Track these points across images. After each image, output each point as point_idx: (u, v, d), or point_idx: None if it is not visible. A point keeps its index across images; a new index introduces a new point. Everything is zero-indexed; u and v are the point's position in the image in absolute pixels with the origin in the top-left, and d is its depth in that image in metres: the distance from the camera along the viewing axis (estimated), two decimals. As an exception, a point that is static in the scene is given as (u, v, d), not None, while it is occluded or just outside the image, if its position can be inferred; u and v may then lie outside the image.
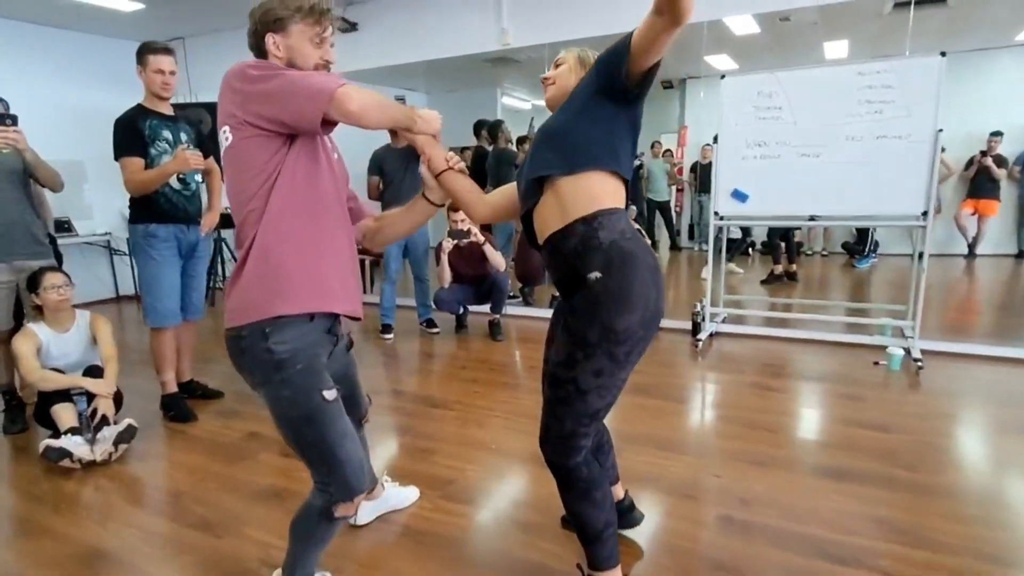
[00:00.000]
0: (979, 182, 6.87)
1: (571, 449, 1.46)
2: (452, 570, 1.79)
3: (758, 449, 2.50)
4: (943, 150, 6.89)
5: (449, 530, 1.99)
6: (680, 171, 7.37)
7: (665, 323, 4.43)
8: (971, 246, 7.08)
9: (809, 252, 7.86)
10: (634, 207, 5.98)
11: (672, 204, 7.63)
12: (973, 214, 7.01)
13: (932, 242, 7.17)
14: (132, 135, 2.72)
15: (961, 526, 1.92)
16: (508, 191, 1.67)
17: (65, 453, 2.42)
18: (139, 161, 2.72)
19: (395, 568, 1.80)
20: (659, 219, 7.62)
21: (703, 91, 5.69)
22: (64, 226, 5.62)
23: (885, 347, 3.54)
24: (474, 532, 1.99)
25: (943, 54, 3.05)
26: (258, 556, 1.86)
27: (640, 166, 7.14)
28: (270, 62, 1.37)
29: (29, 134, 2.64)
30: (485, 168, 5.51)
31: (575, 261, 1.40)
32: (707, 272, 4.32)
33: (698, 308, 4.18)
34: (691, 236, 7.83)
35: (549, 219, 1.45)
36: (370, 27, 5.12)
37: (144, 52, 2.70)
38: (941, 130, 3.10)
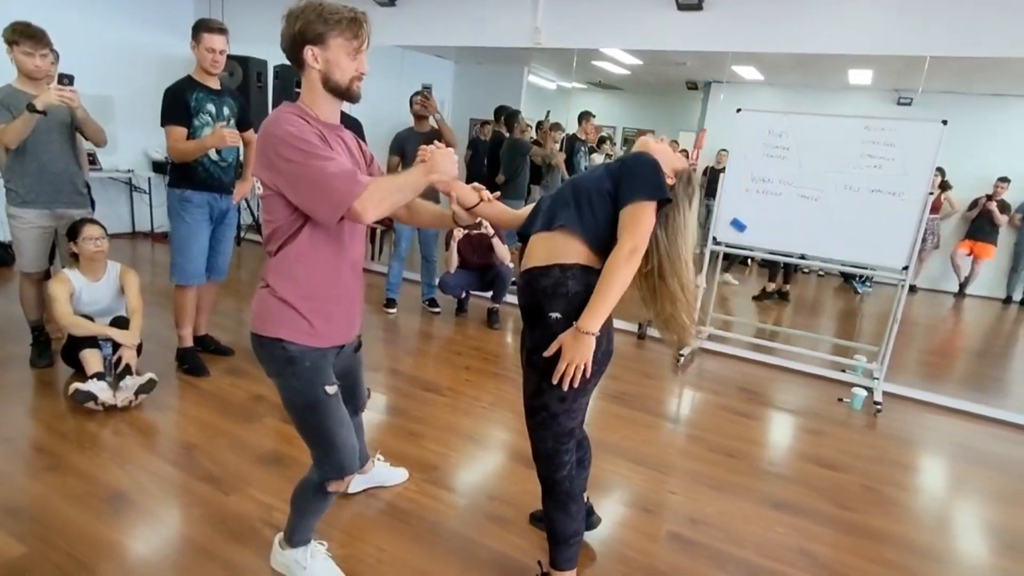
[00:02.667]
0: (979, 224, 7.04)
1: (557, 464, 1.71)
2: (426, 550, 2.04)
3: (717, 473, 2.74)
4: (951, 187, 6.99)
5: (428, 513, 2.25)
6: None
7: (653, 332, 4.65)
8: (962, 285, 7.27)
9: (806, 271, 8.04)
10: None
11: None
12: (969, 255, 7.18)
13: (924, 278, 7.26)
14: (179, 105, 2.88)
15: (882, 569, 2.18)
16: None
17: (91, 396, 2.66)
18: (182, 130, 2.89)
19: (375, 540, 2.06)
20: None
21: (723, 95, 5.77)
22: (90, 158, 5.76)
23: (853, 385, 3.78)
24: (451, 518, 2.24)
25: (944, 122, 3.19)
26: (261, 517, 2.11)
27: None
28: (303, 142, 1.39)
29: (64, 67, 2.85)
30: (499, 153, 5.67)
31: (542, 298, 1.61)
32: (701, 280, 4.44)
33: (686, 323, 4.37)
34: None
35: (538, 252, 1.65)
36: (408, 5, 5.19)
37: (200, 29, 2.84)
38: (932, 193, 3.27)
